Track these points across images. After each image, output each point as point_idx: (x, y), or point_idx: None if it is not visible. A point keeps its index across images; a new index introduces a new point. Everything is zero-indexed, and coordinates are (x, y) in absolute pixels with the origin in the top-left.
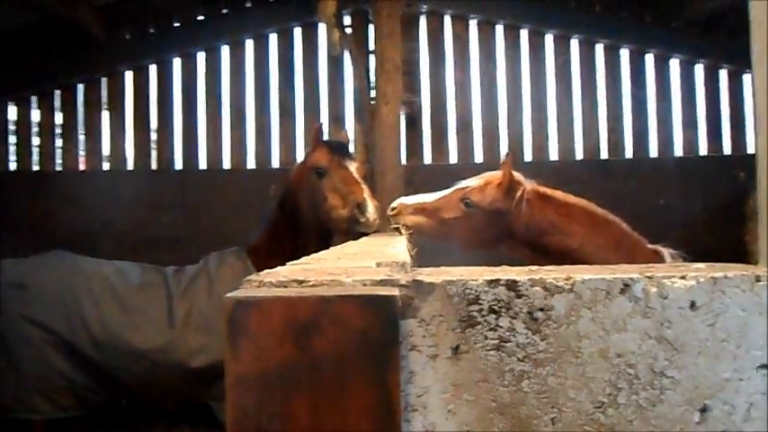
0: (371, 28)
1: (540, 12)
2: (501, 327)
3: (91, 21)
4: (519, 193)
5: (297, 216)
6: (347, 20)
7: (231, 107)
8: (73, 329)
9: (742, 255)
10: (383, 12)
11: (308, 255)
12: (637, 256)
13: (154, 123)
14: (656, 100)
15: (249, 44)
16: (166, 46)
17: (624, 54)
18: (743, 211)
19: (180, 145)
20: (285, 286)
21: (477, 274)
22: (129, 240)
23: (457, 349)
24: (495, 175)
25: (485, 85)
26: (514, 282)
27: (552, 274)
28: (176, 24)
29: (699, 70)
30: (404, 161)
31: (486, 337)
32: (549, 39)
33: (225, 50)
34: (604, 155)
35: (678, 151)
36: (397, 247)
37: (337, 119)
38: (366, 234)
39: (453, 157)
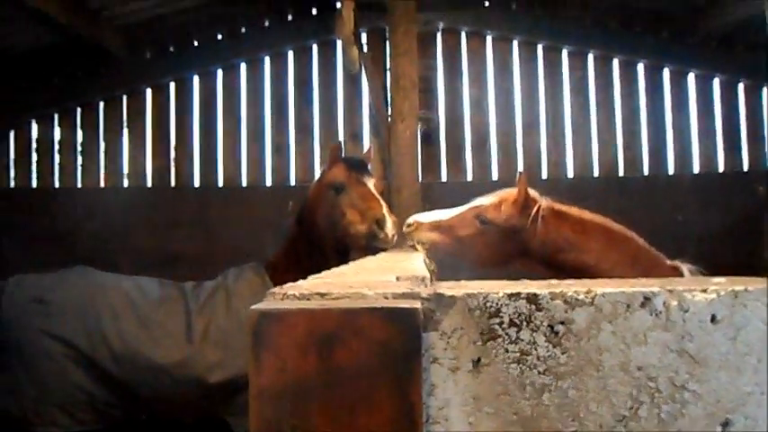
0: (388, 45)
1: (557, 28)
2: (522, 340)
3: (113, 40)
4: (534, 211)
5: (314, 232)
6: (364, 37)
7: (249, 124)
8: (93, 344)
9: (761, 270)
10: (400, 29)
11: (325, 270)
12: (654, 271)
13: (173, 140)
14: (673, 115)
15: (267, 62)
16: (186, 64)
17: (641, 69)
18: (762, 225)
19: (198, 162)
20: (308, 299)
21: (497, 288)
22: (148, 256)
23: (478, 362)
24: (511, 193)
25: (501, 102)
26: (535, 295)
27: (573, 287)
28: (195, 43)
29: (716, 85)
30: (420, 178)
31: (507, 350)
32: (565, 54)
33: (243, 68)
34: (621, 171)
35: (696, 166)
36: (416, 263)
37: (354, 136)
38: (384, 250)
39: (470, 175)
